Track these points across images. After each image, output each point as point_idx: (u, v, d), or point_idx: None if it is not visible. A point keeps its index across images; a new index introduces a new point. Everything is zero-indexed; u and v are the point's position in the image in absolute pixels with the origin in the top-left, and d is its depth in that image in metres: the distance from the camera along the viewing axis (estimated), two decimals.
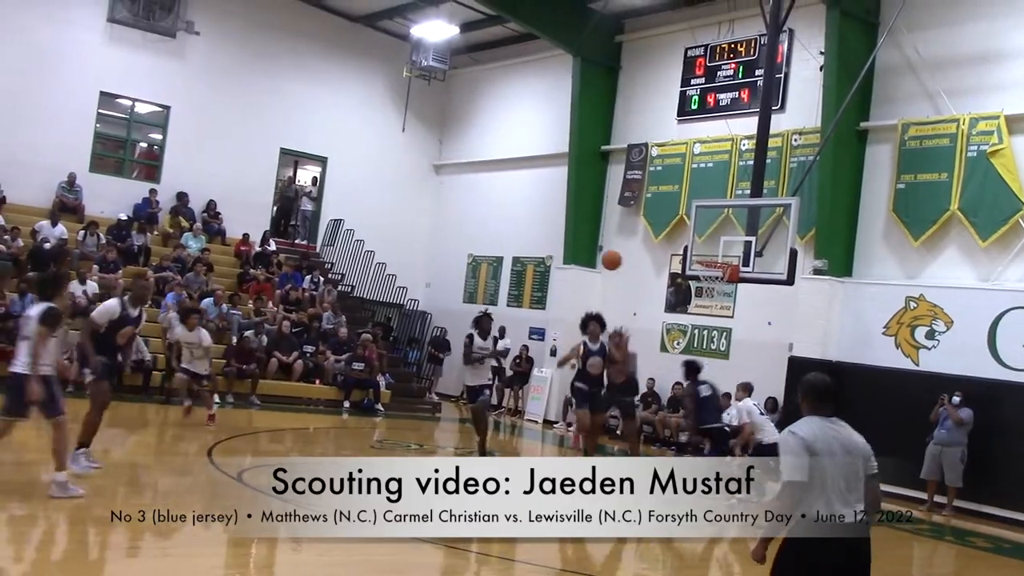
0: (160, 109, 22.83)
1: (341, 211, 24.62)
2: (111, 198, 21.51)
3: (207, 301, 19.63)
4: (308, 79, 24.37)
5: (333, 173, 25.10)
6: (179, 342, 15.85)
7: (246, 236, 22.96)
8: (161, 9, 22.29)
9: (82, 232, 20.29)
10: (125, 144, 23.02)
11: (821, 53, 17.58)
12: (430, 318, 25.49)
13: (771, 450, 11.97)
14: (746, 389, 13.56)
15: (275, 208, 24.64)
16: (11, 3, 20.69)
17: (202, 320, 16.83)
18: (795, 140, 18.32)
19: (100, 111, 22.11)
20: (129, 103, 22.63)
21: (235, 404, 18.01)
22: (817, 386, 5.30)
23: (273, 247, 23.26)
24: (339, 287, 23.43)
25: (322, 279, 23.00)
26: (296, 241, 24.75)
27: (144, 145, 23.45)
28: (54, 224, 19.96)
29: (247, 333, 19.22)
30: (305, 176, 25.89)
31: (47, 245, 19.43)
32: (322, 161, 25.11)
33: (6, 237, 19.08)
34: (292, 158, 25.12)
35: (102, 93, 21.96)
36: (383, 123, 25.72)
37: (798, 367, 16.95)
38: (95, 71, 21.64)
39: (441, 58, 24.03)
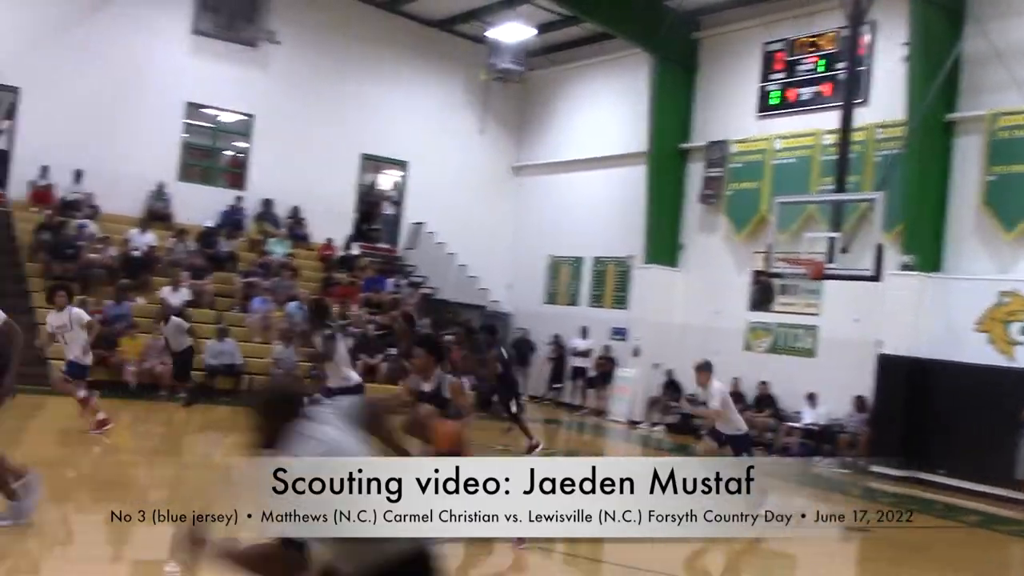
0: (244, 118, 23.29)
1: (422, 214, 24.89)
2: (199, 206, 21.99)
3: (292, 305, 19.99)
4: (387, 84, 24.66)
5: (414, 177, 25.35)
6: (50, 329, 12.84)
7: (330, 241, 23.32)
8: (243, 20, 22.75)
9: (172, 239, 20.78)
10: (211, 153, 23.54)
11: (905, 44, 17.26)
12: (512, 319, 25.59)
13: (732, 441, 11.32)
14: (709, 369, 11.77)
15: (358, 213, 24.97)
16: (99, 20, 21.27)
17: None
18: (879, 134, 18.00)
19: (187, 121, 22.62)
20: (214, 113, 23.15)
21: None
22: (287, 393, 4.11)
23: (356, 251, 23.57)
24: (422, 290, 23.65)
25: (405, 282, 23.24)
26: (379, 245, 25.03)
27: (230, 153, 23.93)
28: (144, 232, 20.48)
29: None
30: (386, 180, 26.16)
31: (136, 253, 19.95)
32: (403, 165, 25.37)
33: (99, 246, 19.63)
34: (373, 163, 25.41)
35: (188, 104, 22.47)
36: (462, 126, 25.91)
37: (887, 365, 16.69)
38: (181, 82, 22.14)
39: (518, 60, 24.06)
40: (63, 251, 19.22)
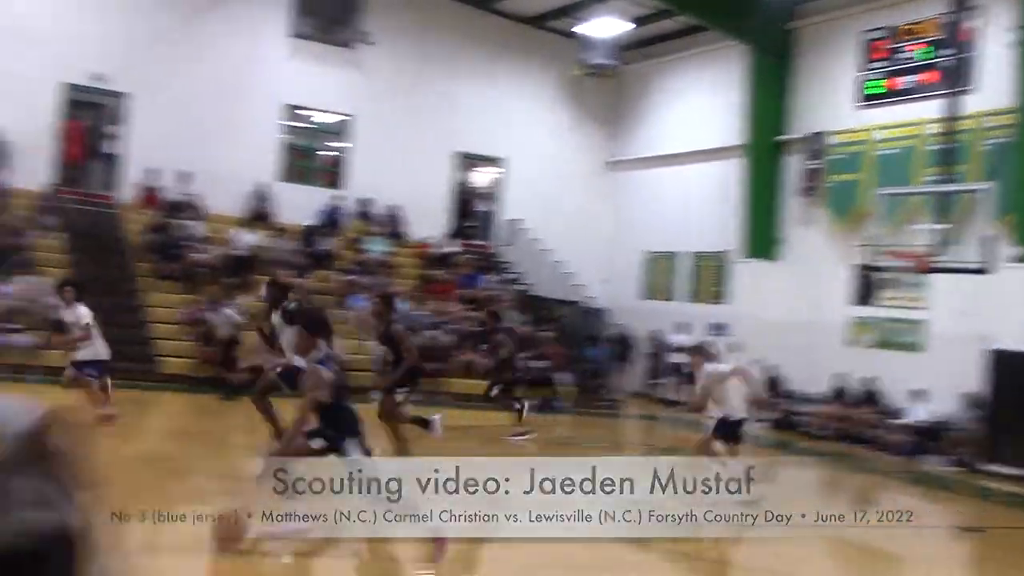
0: (342, 118, 23.67)
1: (518, 211, 24.99)
2: (299, 205, 22.36)
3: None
4: (482, 82, 24.82)
5: (509, 174, 25.47)
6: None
7: (427, 238, 23.56)
8: (340, 22, 23.16)
9: (273, 239, 21.19)
10: (311, 153, 23.96)
11: (1015, 29, 16.74)
12: (609, 315, 25.49)
13: (733, 429, 10.73)
14: (704, 353, 11.23)
15: (454, 210, 25.17)
16: (201, 27, 21.89)
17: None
18: (987, 122, 17.48)
19: (286, 122, 23.08)
20: (313, 114, 23.58)
21: (423, 402, 18.32)
22: None
23: (453, 248, 23.75)
24: (518, 286, 23.73)
25: (501, 278, 23.35)
26: (475, 242, 25.17)
27: (328, 154, 24.30)
28: (246, 232, 20.93)
29: (430, 333, 19.69)
30: (481, 178, 26.29)
31: (239, 252, 20.38)
32: (498, 162, 25.50)
33: (204, 245, 20.12)
34: (469, 160, 25.56)
35: (288, 105, 22.94)
36: (555, 122, 25.96)
37: (999, 360, 16.21)
38: (281, 84, 22.65)
39: (611, 55, 23.91)
40: (170, 251, 19.77)
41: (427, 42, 24.19)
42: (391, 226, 23.45)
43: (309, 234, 21.95)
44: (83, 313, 12.32)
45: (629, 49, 24.63)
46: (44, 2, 20.58)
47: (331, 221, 22.72)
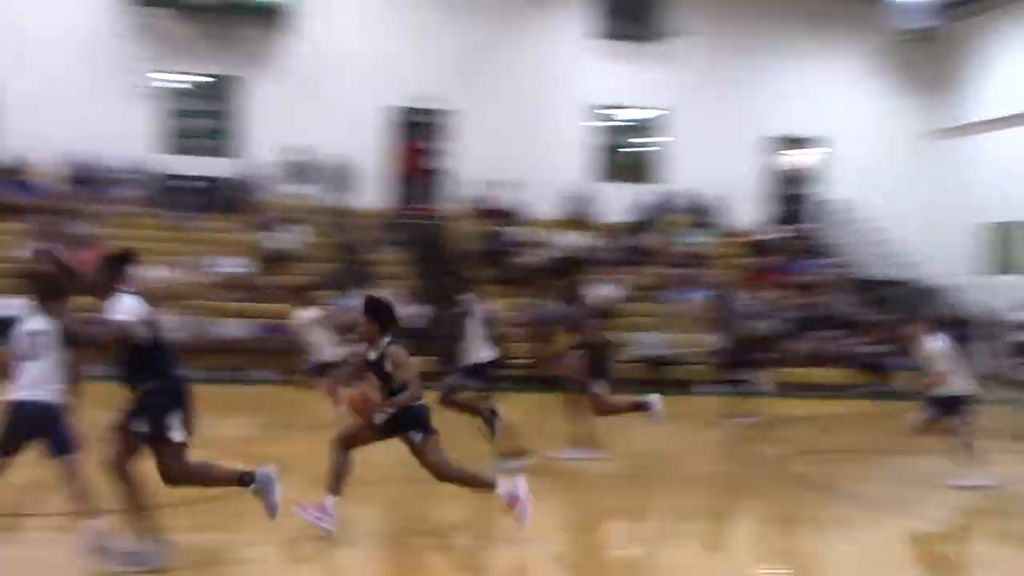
0: (653, 113, 23.89)
1: (841, 190, 24.12)
2: (616, 203, 22.74)
3: (711, 293, 20.02)
4: (792, 62, 24.36)
5: (829, 152, 24.69)
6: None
7: (749, 226, 23.33)
8: (643, 19, 23.42)
9: (593, 238, 21.58)
10: (624, 150, 24.22)
11: None
12: (943, 294, 23.98)
13: (953, 404, 9.68)
14: (929, 325, 10.19)
15: (773, 195, 24.62)
16: (508, 39, 22.98)
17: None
18: None
19: (599, 123, 23.61)
20: (624, 111, 23.99)
21: (761, 391, 17.85)
22: None
23: (776, 234, 23.26)
24: (845, 268, 22.87)
25: (827, 261, 22.61)
26: (798, 226, 24.46)
27: (643, 149, 24.45)
28: (567, 233, 21.44)
29: (755, 321, 19.32)
30: (800, 159, 25.53)
31: (561, 254, 20.89)
32: (816, 142, 24.73)
33: (526, 250, 20.81)
34: (787, 143, 24.90)
35: (599, 105, 23.56)
36: (877, 93, 24.99)
37: None
38: (590, 86, 23.24)
39: (932, 16, 22.61)
40: (495, 257, 20.62)
41: (735, 27, 23.95)
42: (709, 216, 23.30)
43: (628, 231, 22.22)
44: (306, 316, 12.65)
45: (952, 7, 23.17)
46: (367, 35, 22.21)
47: (649, 216, 22.89)
